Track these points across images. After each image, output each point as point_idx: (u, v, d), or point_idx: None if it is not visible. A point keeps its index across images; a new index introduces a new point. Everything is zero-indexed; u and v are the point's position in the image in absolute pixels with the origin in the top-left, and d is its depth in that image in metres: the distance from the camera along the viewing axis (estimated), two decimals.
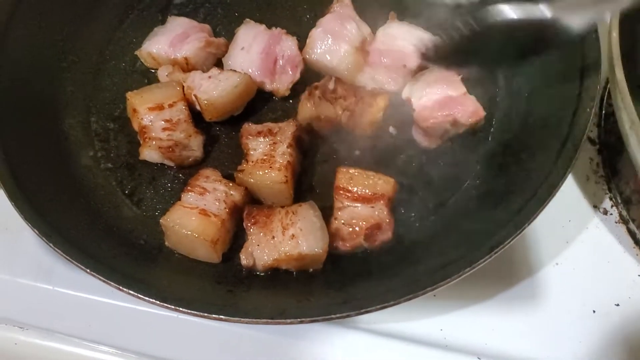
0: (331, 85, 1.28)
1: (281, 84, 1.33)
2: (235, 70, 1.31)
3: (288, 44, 1.35)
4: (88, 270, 1.00)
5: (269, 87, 1.34)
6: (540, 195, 1.05)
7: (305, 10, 1.45)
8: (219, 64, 1.38)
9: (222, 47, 1.38)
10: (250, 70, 1.33)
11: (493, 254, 1.00)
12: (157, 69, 1.37)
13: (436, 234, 1.14)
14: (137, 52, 1.39)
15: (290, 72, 1.34)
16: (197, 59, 1.35)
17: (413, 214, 1.19)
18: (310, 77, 1.34)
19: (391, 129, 1.29)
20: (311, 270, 1.14)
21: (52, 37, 1.36)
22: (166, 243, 1.18)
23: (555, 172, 1.06)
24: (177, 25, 1.38)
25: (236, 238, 1.19)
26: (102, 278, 0.99)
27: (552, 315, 1.17)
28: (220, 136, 1.32)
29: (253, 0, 1.48)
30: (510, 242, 1.01)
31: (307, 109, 1.26)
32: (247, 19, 1.39)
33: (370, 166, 1.24)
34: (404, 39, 1.34)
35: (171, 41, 1.35)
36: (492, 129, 1.27)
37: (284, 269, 1.14)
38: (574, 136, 1.08)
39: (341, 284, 1.09)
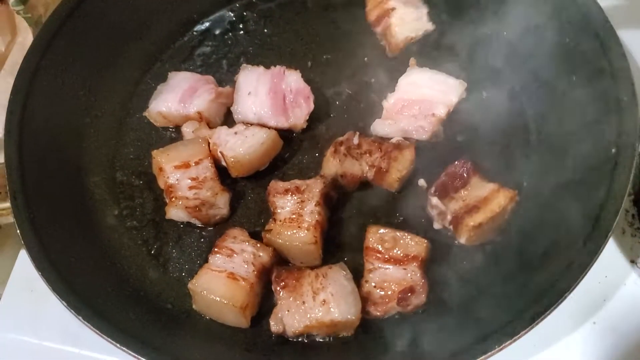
0: (355, 140, 1.25)
1: (297, 119, 1.32)
2: (261, 126, 1.29)
3: (293, 78, 1.34)
4: (118, 345, 0.99)
5: (286, 124, 1.32)
6: (581, 260, 1.01)
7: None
8: (228, 113, 1.37)
9: (231, 96, 1.37)
10: (262, 112, 1.32)
11: (535, 324, 0.97)
12: (169, 127, 1.36)
13: (473, 299, 1.10)
14: (145, 113, 1.38)
15: (304, 104, 1.32)
16: (210, 111, 1.34)
17: (448, 275, 1.15)
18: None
19: (421, 182, 1.27)
20: (342, 335, 1.11)
21: (74, 91, 1.34)
22: (194, 306, 1.16)
23: (595, 236, 1.03)
24: (182, 80, 1.37)
25: (264, 299, 1.17)
26: (133, 354, 0.97)
27: None
28: (245, 192, 1.30)
29: (274, 48, 1.47)
30: (551, 311, 0.98)
31: (332, 165, 1.24)
32: (244, 65, 1.37)
33: (401, 221, 1.22)
34: (428, 86, 1.32)
35: (180, 97, 1.34)
36: (525, 190, 1.23)
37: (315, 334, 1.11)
38: (613, 198, 1.05)
39: (375, 351, 1.06)
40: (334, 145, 1.26)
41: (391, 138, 1.28)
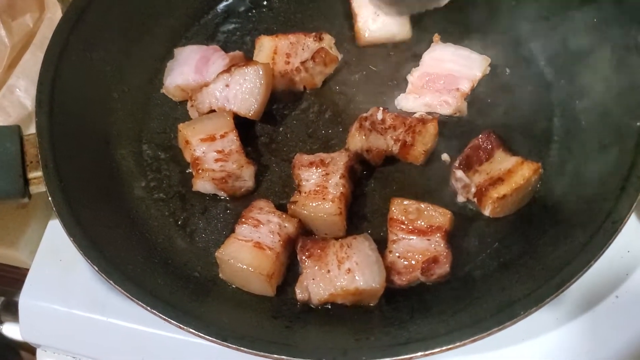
0: (379, 116, 1.26)
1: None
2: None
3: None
4: (149, 308, 1.00)
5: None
6: (605, 229, 1.02)
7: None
8: None
9: (242, 60, 1.39)
10: None
11: (560, 292, 0.97)
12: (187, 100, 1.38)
13: (497, 270, 1.11)
14: (163, 90, 1.40)
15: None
16: None
17: (472, 247, 1.17)
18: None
19: (444, 157, 1.28)
20: (366, 304, 1.12)
21: (102, 67, 1.36)
22: (220, 275, 1.18)
23: (620, 205, 1.04)
24: (191, 53, 1.39)
25: (288, 270, 1.19)
26: (163, 316, 0.99)
27: (615, 352, 1.14)
28: (270, 166, 1.32)
29: (298, 25, 1.47)
30: (577, 278, 0.99)
31: (357, 140, 1.25)
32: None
33: (424, 195, 1.23)
34: (452, 61, 1.33)
35: (195, 68, 1.36)
36: (549, 163, 1.24)
37: (339, 303, 1.13)
38: (637, 172, 1.05)
39: (399, 320, 1.07)
40: (358, 121, 1.26)
41: (415, 113, 1.29)
